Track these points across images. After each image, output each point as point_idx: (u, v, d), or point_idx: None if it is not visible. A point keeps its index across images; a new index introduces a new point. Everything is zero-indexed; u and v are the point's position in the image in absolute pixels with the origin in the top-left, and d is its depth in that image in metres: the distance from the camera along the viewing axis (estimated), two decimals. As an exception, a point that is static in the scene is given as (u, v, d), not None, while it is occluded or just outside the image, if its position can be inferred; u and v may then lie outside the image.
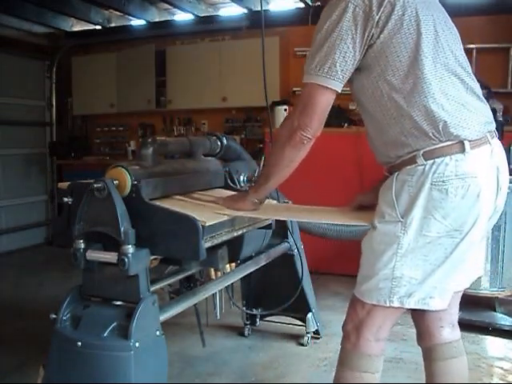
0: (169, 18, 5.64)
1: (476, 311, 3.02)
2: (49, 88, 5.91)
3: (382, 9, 1.37)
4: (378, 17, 1.37)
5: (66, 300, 1.66)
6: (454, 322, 1.66)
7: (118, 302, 1.63)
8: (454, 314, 1.67)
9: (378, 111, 1.46)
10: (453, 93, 1.40)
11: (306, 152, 1.51)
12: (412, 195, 1.40)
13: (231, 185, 2.20)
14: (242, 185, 2.29)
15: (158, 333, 1.61)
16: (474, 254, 1.54)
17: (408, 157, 1.43)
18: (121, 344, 1.52)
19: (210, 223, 1.64)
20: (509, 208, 2.83)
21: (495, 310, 3.01)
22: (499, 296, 2.97)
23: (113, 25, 5.75)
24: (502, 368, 2.54)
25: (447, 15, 1.52)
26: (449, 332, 1.64)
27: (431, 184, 1.38)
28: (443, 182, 1.37)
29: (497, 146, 1.48)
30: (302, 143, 1.48)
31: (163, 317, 1.68)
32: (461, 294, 1.67)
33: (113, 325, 1.57)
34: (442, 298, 1.45)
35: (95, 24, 5.64)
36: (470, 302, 3.06)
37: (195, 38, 5.57)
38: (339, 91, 1.44)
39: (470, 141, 1.39)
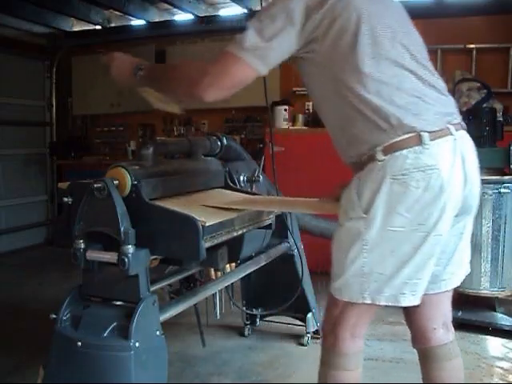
0: (169, 18, 5.64)
1: (476, 311, 3.02)
2: (49, 88, 5.91)
3: (328, 8, 1.38)
4: (323, 15, 1.37)
5: (66, 300, 1.65)
6: (447, 323, 1.64)
7: (118, 302, 1.63)
8: (447, 315, 1.64)
9: (337, 111, 1.46)
10: (407, 87, 1.39)
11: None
12: (373, 191, 1.37)
13: (231, 185, 2.20)
14: (242, 185, 2.30)
15: (158, 333, 1.61)
16: (451, 250, 1.52)
17: (368, 154, 1.41)
18: (121, 344, 1.52)
19: (210, 223, 1.64)
20: (509, 208, 2.83)
21: (495, 310, 3.01)
22: (499, 296, 2.97)
23: (113, 25, 5.75)
24: (502, 368, 2.54)
25: (405, 15, 1.54)
26: (442, 333, 1.62)
27: (391, 178, 1.36)
28: (403, 175, 1.35)
29: (462, 137, 1.44)
30: (192, 97, 1.52)
31: (163, 317, 1.68)
32: (451, 294, 1.64)
33: (113, 325, 1.56)
34: (413, 295, 1.42)
35: (95, 24, 5.63)
36: (470, 302, 3.06)
37: (195, 38, 5.56)
38: (262, 74, 1.45)
39: (428, 132, 1.36)
